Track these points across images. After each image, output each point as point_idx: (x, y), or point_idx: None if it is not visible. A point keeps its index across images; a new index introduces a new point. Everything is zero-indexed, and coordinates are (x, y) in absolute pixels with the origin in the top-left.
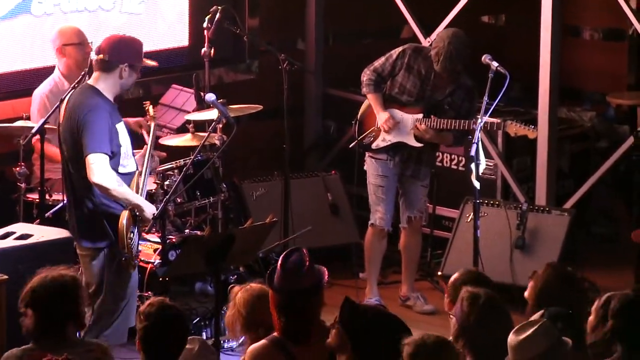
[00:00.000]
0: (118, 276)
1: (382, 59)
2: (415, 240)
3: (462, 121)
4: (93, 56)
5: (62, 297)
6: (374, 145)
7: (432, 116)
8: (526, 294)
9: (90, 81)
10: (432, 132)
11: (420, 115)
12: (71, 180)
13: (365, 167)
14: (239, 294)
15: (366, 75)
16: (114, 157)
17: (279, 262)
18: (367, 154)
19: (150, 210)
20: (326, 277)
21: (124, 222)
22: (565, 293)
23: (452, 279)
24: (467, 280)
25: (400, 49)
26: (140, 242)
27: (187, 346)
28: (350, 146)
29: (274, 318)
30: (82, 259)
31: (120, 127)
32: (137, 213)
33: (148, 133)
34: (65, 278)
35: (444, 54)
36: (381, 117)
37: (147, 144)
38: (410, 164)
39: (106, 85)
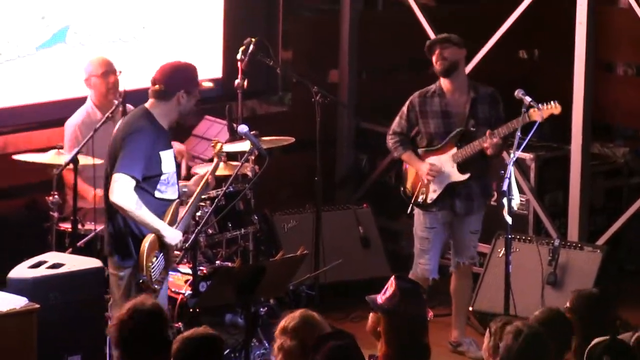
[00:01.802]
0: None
1: (397, 118)
2: (465, 284)
3: (517, 120)
4: (127, 85)
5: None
6: (429, 200)
7: (494, 130)
8: None
9: (147, 105)
10: (500, 142)
11: (455, 149)
12: (108, 200)
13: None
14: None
15: (390, 141)
16: (151, 181)
17: (395, 286)
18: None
19: (172, 235)
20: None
21: (146, 244)
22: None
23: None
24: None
25: (407, 102)
26: (171, 272)
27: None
28: (409, 212)
29: (387, 345)
30: (111, 278)
31: (165, 155)
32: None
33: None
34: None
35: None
36: (422, 169)
37: (207, 174)
38: (461, 201)
39: (162, 111)
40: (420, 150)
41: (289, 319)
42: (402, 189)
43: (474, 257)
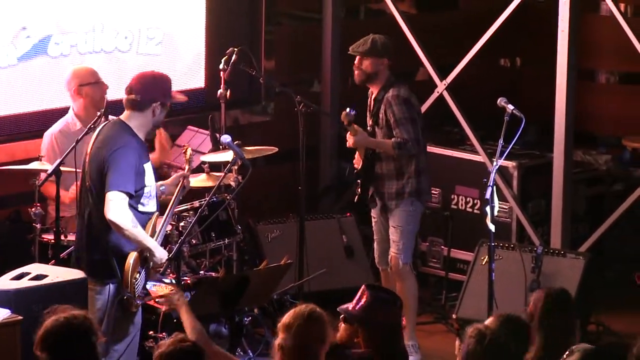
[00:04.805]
0: (121, 314)
1: None
2: (400, 287)
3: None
4: (109, 95)
5: (75, 339)
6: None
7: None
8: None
9: (123, 117)
10: (363, 138)
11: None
12: (89, 216)
13: None
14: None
15: None
16: (136, 195)
17: (369, 296)
18: None
19: (160, 254)
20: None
21: (131, 262)
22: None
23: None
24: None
25: None
26: (155, 283)
27: None
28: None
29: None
30: (89, 292)
31: (147, 167)
32: (148, 256)
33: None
34: (78, 319)
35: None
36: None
37: (176, 192)
38: (380, 199)
39: (138, 123)
40: None
41: (294, 318)
42: None
43: (398, 252)
